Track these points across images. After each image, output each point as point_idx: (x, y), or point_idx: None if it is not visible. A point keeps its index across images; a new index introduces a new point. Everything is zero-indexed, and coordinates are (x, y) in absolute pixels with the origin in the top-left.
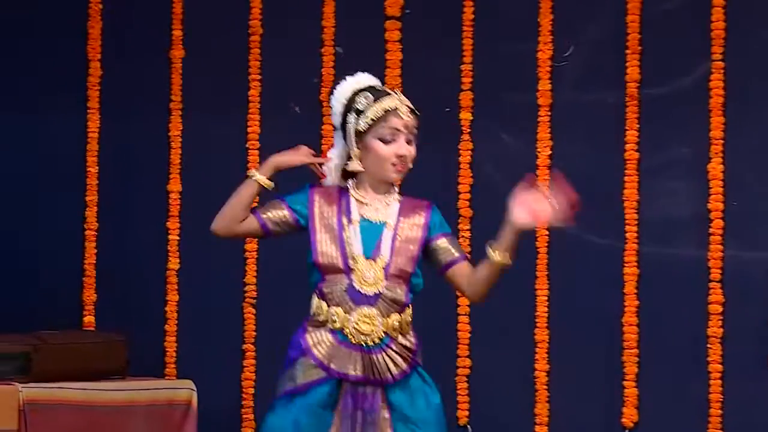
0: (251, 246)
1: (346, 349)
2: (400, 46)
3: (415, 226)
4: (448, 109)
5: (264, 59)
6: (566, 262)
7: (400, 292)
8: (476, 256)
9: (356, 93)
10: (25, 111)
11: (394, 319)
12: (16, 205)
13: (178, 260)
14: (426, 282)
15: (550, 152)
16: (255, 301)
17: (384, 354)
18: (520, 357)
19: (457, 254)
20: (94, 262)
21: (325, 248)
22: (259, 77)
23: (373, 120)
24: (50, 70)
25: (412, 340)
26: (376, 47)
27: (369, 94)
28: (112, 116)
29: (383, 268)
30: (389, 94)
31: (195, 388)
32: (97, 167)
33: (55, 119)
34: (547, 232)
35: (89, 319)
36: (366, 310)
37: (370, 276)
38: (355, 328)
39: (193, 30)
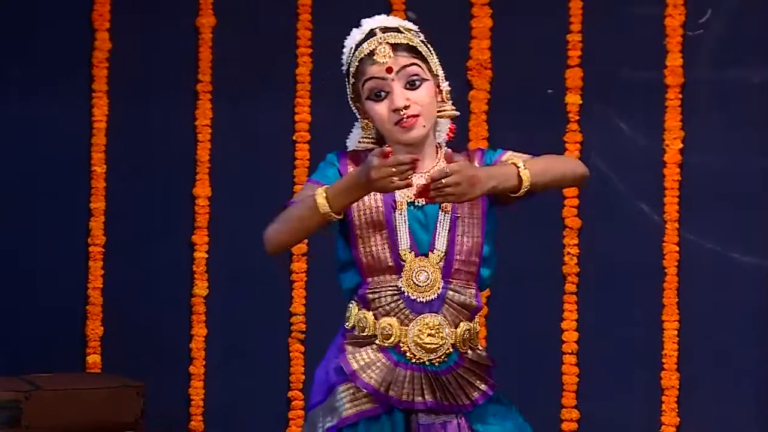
0: (299, 266)
1: (405, 370)
2: (490, 11)
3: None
4: (550, 90)
5: (316, 28)
6: (701, 285)
7: (470, 293)
8: (585, 281)
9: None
10: (13, 96)
11: (464, 328)
12: (1, 216)
13: (206, 284)
14: (521, 313)
15: (681, 146)
16: (304, 336)
17: (455, 374)
18: (642, 408)
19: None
20: (101, 286)
21: (368, 241)
22: (309, 51)
23: (354, 78)
24: (44, 44)
25: (484, 354)
26: (459, 12)
27: (353, 46)
28: (124, 101)
29: (440, 265)
30: (371, 35)
31: None
32: (104, 166)
33: (51, 106)
34: (676, 248)
35: (94, 358)
36: (429, 318)
37: (422, 278)
38: (416, 343)
39: None
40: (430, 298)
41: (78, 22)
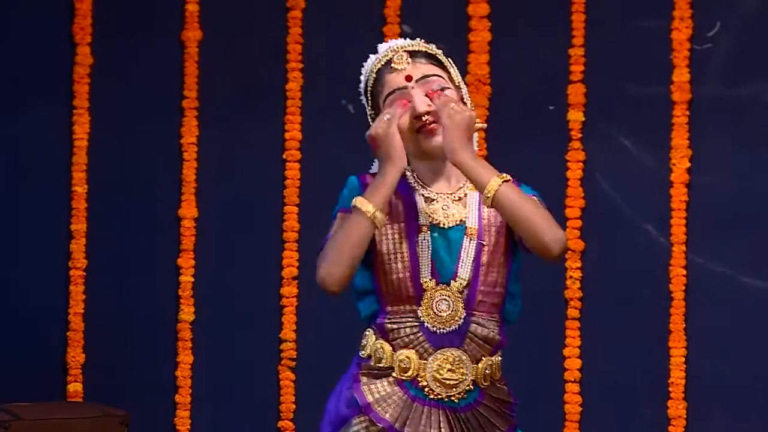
0: (289, 290)
1: (422, 406)
2: (488, 24)
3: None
4: (552, 106)
5: (307, 42)
6: (710, 311)
7: (493, 327)
8: (588, 306)
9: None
10: None
11: (485, 363)
12: None
13: (192, 309)
14: (521, 340)
15: (688, 165)
16: (294, 363)
17: (475, 411)
18: None
19: None
20: (82, 312)
21: (390, 268)
22: (300, 66)
23: (371, 91)
24: (23, 59)
25: (505, 389)
26: (456, 25)
27: (370, 65)
28: (106, 119)
29: (463, 295)
30: (388, 49)
31: None
32: (85, 186)
33: (29, 123)
34: (684, 272)
35: (75, 387)
36: (450, 353)
37: (443, 307)
38: (435, 379)
39: (212, 5)
40: (451, 329)
41: (58, 36)
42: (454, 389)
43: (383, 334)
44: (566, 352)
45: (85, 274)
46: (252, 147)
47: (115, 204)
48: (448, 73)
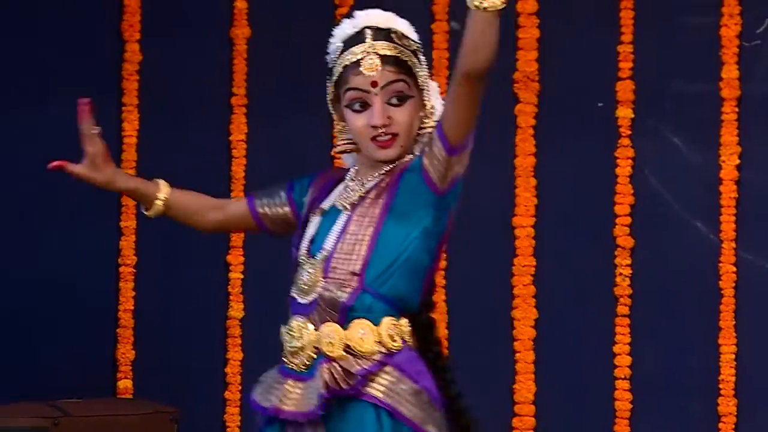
0: None
1: (280, 377)
2: (537, 21)
3: (385, 192)
4: (601, 103)
5: None
6: (760, 307)
7: (344, 292)
8: (638, 303)
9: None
10: (37, 109)
11: (329, 330)
12: (26, 234)
13: (242, 306)
14: (571, 337)
15: (738, 162)
16: None
17: (309, 382)
18: None
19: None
20: (132, 308)
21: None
22: None
23: (336, 83)
24: (72, 55)
25: (370, 363)
26: (504, 22)
27: (341, 44)
28: (155, 116)
29: (323, 264)
30: (361, 40)
31: None
32: None
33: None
34: (733, 268)
35: (125, 383)
36: (295, 320)
37: (305, 278)
38: (285, 348)
39: (261, 2)
40: (311, 299)
41: (107, 33)
42: (297, 357)
43: None
44: (616, 349)
45: (134, 270)
46: (301, 143)
47: None
48: (415, 78)
